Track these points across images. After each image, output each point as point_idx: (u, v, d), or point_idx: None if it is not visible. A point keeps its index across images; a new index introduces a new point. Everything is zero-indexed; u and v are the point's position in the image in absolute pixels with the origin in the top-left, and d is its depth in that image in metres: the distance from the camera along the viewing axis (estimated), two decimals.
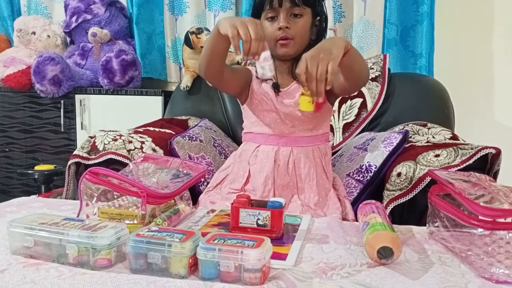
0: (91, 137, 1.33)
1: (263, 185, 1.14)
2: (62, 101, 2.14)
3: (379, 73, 1.73)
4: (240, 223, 0.83)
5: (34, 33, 2.32)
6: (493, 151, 1.09)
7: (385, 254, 0.68)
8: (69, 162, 1.28)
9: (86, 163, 1.26)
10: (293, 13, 1.12)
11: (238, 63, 2.01)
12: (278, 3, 1.11)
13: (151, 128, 1.49)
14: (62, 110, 2.15)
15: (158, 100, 2.13)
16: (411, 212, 1.13)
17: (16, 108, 2.18)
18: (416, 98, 1.67)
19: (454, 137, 1.31)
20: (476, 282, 0.64)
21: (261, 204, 0.85)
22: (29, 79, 2.12)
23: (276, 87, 1.20)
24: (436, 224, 0.81)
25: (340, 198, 1.17)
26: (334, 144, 1.64)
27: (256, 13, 1.18)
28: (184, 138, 1.43)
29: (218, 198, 1.17)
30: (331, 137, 1.29)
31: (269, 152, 1.17)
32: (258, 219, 0.83)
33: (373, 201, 0.91)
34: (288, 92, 1.20)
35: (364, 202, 0.91)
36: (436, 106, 1.66)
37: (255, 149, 1.19)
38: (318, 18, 1.18)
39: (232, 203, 0.85)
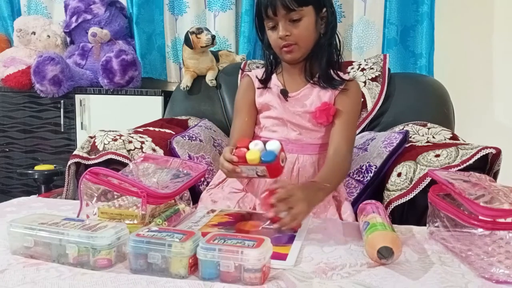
0: (91, 137, 1.33)
1: (264, 190, 1.13)
2: (62, 101, 2.14)
3: (379, 73, 1.73)
4: (243, 172, 0.89)
5: (34, 33, 2.32)
6: (493, 151, 1.09)
7: (385, 254, 0.68)
8: (69, 162, 1.28)
9: (86, 163, 1.26)
10: (291, 18, 1.06)
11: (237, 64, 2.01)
12: (273, 12, 1.06)
13: (151, 128, 1.49)
14: (62, 110, 2.15)
15: (158, 100, 2.13)
16: (411, 212, 1.13)
17: (16, 108, 2.18)
18: (416, 98, 1.67)
19: (454, 137, 1.31)
20: (476, 282, 0.64)
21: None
22: (29, 79, 2.12)
23: (285, 94, 1.15)
24: (436, 224, 0.81)
25: (341, 200, 1.16)
26: None
27: (258, 22, 1.14)
28: (184, 138, 1.43)
29: (219, 197, 1.16)
30: None
31: None
32: (257, 172, 0.88)
33: (373, 201, 0.91)
34: (297, 98, 1.15)
35: (364, 202, 0.91)
36: (436, 106, 1.65)
37: None
38: (325, 10, 1.11)
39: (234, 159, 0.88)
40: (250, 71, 1.72)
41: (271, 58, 1.19)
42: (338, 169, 1.06)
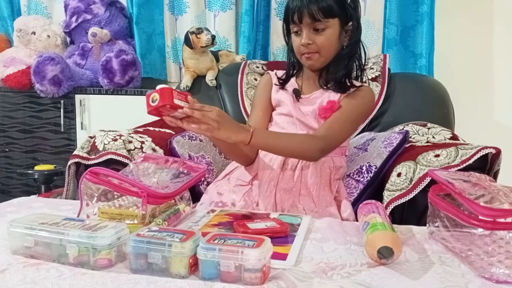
0: (91, 137, 1.33)
1: (267, 186, 1.13)
2: (62, 101, 2.14)
3: (379, 73, 1.73)
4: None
5: (34, 33, 2.32)
6: (493, 151, 1.09)
7: (385, 254, 0.68)
8: (69, 162, 1.28)
9: (86, 163, 1.26)
10: (315, 28, 1.09)
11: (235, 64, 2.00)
12: (299, 19, 1.09)
13: (151, 128, 1.49)
14: (62, 110, 2.15)
15: None
16: (411, 212, 1.13)
17: (16, 108, 2.18)
18: (416, 98, 1.67)
19: (454, 137, 1.31)
20: (476, 282, 0.64)
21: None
22: (29, 79, 2.12)
23: (297, 93, 1.18)
24: (436, 224, 0.81)
25: (341, 200, 1.16)
26: None
27: (286, 26, 1.17)
28: (184, 138, 1.43)
29: (225, 190, 1.17)
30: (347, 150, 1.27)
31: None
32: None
33: (373, 201, 0.91)
34: (308, 99, 1.19)
35: (364, 202, 0.91)
36: (436, 106, 1.66)
37: None
38: (350, 23, 1.13)
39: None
40: (253, 71, 1.74)
41: (294, 60, 1.22)
42: (297, 143, 1.07)
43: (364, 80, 1.73)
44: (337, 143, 1.16)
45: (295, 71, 1.24)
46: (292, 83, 1.22)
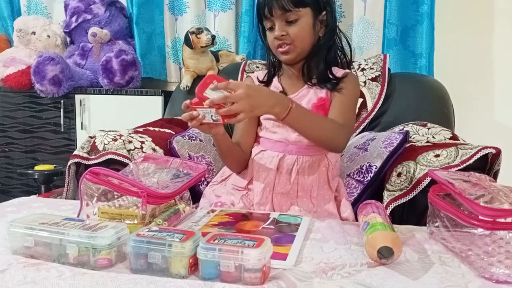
0: (91, 137, 1.33)
1: (262, 191, 1.12)
2: (62, 101, 2.14)
3: (379, 73, 1.73)
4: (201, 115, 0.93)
5: (34, 33, 2.32)
6: (493, 151, 1.09)
7: (385, 254, 0.68)
8: (69, 162, 1.28)
9: (86, 163, 1.26)
10: (287, 19, 1.07)
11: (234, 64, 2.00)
12: (269, 12, 1.08)
13: (151, 128, 1.49)
14: (62, 110, 2.15)
15: (158, 100, 2.13)
16: (411, 212, 1.13)
17: (16, 108, 2.18)
18: (416, 98, 1.67)
19: (454, 137, 1.31)
20: (476, 282, 0.64)
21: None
22: (29, 79, 2.12)
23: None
24: (436, 224, 0.81)
25: (341, 199, 1.16)
26: None
27: (260, 25, 1.15)
28: (184, 138, 1.43)
29: (223, 192, 1.17)
30: None
31: (273, 159, 1.13)
32: (212, 115, 0.92)
33: (373, 201, 0.91)
34: (295, 99, 1.13)
35: (364, 202, 0.91)
36: (436, 106, 1.66)
37: (260, 152, 1.17)
38: (324, 13, 1.11)
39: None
40: (252, 71, 1.72)
41: (274, 60, 1.20)
42: (330, 128, 1.06)
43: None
44: (352, 130, 1.16)
45: (276, 71, 1.21)
46: (275, 85, 1.19)
